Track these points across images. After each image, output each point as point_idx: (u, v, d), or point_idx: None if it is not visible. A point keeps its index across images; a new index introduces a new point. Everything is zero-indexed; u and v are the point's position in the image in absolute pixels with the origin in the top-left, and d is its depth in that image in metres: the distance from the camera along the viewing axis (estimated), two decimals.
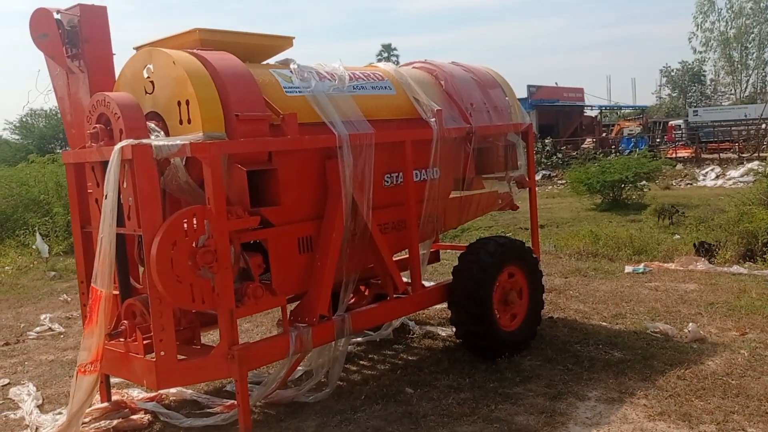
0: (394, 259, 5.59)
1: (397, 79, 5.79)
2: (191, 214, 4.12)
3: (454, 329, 5.85)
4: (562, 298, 7.71)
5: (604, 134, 45.61)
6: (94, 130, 4.29)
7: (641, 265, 9.28)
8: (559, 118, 45.06)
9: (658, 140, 42.44)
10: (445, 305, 6.00)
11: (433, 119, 5.68)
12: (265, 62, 5.28)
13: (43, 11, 4.79)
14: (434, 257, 7.44)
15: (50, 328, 8.00)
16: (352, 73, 5.48)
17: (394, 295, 5.47)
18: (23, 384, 5.90)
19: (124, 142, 4.00)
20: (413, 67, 6.37)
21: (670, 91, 70.58)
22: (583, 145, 40.04)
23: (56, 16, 4.84)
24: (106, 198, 4.03)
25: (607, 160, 26.32)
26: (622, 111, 60.37)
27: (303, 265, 4.90)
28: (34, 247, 12.90)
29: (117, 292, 4.52)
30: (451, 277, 5.83)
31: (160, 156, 4.02)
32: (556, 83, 47.78)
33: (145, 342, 4.23)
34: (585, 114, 48.82)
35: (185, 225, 4.08)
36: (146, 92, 4.57)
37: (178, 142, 4.08)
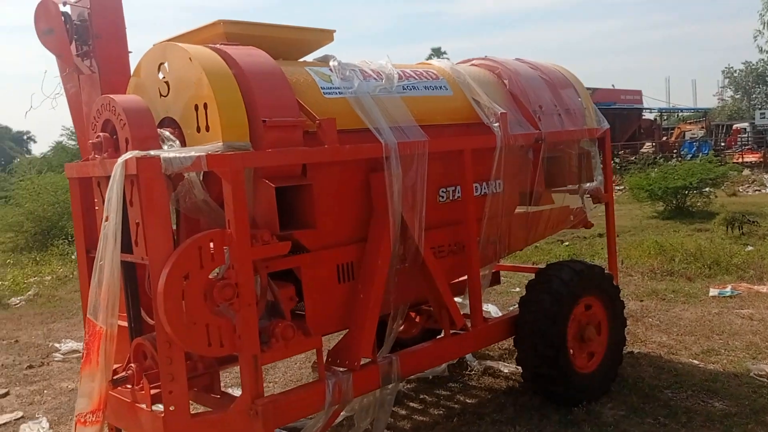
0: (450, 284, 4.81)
1: (454, 78, 5.01)
2: (208, 240, 3.41)
3: (520, 368, 5.03)
4: (641, 327, 6.77)
5: (664, 138, 43.87)
6: (98, 139, 3.62)
7: (728, 288, 8.24)
8: (616, 122, 43.31)
9: (722, 144, 40.63)
10: None
11: (496, 124, 4.87)
12: (301, 60, 4.57)
13: (48, 3, 4.18)
14: (494, 278, 6.60)
15: (77, 349, 7.46)
16: (402, 71, 4.72)
17: (451, 332, 4.67)
18: (36, 420, 5.32)
19: (128, 154, 3.31)
20: (472, 65, 5.57)
21: (733, 93, 67.83)
22: (642, 150, 38.55)
23: (63, 8, 4.22)
24: (107, 221, 3.35)
25: (668, 165, 25.13)
26: (682, 114, 58.22)
27: (343, 297, 4.15)
28: (73, 257, 12.55)
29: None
30: (517, 309, 5.00)
31: (170, 170, 3.32)
32: (612, 85, 46.20)
33: (153, 391, 3.54)
34: (643, 117, 47.09)
35: (200, 253, 3.38)
36: (161, 95, 3.90)
37: (192, 153, 3.38)
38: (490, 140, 4.81)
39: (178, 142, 3.71)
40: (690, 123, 49.29)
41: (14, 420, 5.45)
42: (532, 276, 5.25)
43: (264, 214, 3.68)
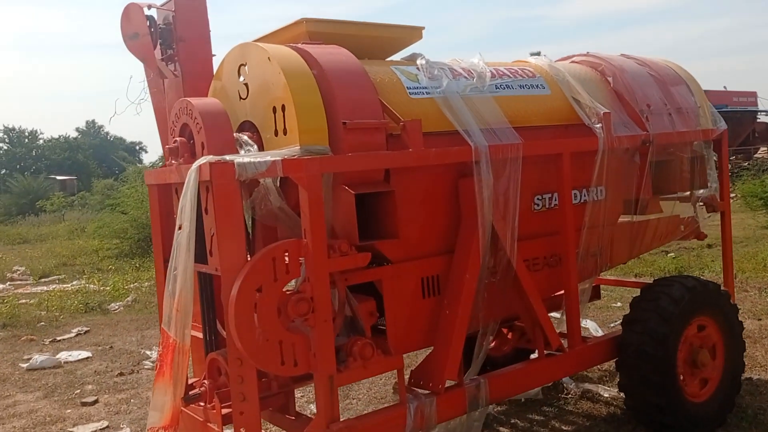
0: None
1: (552, 76, 4.62)
2: (282, 250, 3.21)
3: (622, 394, 4.57)
4: (760, 349, 6.11)
5: None
6: (174, 144, 3.50)
7: None
8: (728, 125, 40.86)
9: None
10: None
11: (598, 125, 4.45)
12: (388, 59, 4.32)
13: (134, 7, 4.11)
14: (594, 293, 6.12)
15: None
16: (495, 69, 4.38)
17: (546, 352, 4.28)
18: (120, 430, 5.31)
19: (202, 160, 3.15)
20: (572, 62, 5.16)
21: None
22: (757, 155, 36.17)
23: (148, 12, 4.15)
24: (180, 229, 3.21)
25: None
26: None
27: (427, 313, 3.85)
28: None
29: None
30: (621, 329, 4.55)
31: (245, 176, 3.14)
32: (724, 87, 43.53)
33: (225, 411, 3.37)
34: (758, 120, 44.19)
35: (274, 265, 3.17)
36: (240, 98, 3.74)
37: (267, 158, 3.18)
38: (591, 143, 4.39)
39: (255, 146, 3.54)
40: None
41: (100, 429, 5.47)
42: (636, 291, 4.79)
43: (343, 222, 3.45)
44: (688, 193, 5.11)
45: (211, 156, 3.16)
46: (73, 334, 9.17)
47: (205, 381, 3.55)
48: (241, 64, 3.70)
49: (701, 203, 5.23)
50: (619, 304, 8.44)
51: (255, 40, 4.10)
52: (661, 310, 4.28)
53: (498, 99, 4.19)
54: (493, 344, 5.78)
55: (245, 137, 3.58)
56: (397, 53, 4.38)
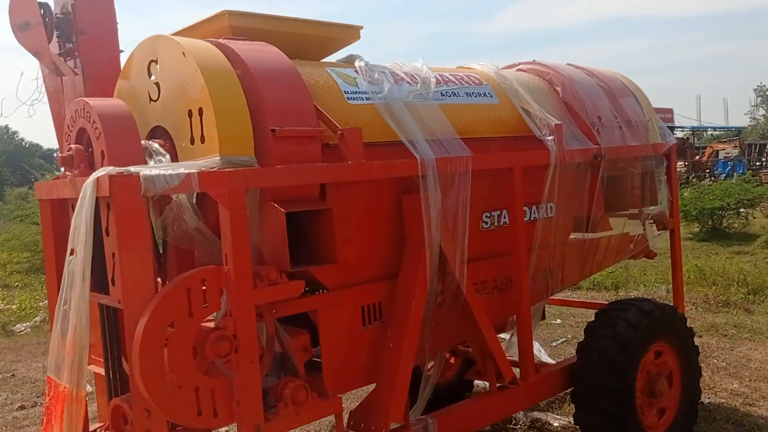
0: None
1: (499, 84, 4.28)
2: (199, 279, 2.70)
3: (575, 424, 4.24)
4: (707, 370, 5.92)
5: (696, 157, 42.65)
6: (69, 152, 2.95)
7: None
8: None
9: (758, 164, 39.43)
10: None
11: (549, 137, 4.13)
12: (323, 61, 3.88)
13: None
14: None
15: None
16: (440, 75, 4.00)
17: (498, 385, 3.89)
18: None
19: (99, 171, 2.62)
20: (519, 70, 4.84)
21: (766, 112, 66.31)
22: None
23: None
24: (72, 255, 2.66)
25: (702, 184, 24.24)
26: (714, 132, 56.88)
27: (369, 345, 3.41)
28: None
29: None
30: (575, 356, 4.23)
31: (152, 191, 2.62)
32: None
33: None
34: (675, 136, 45.92)
35: (189, 297, 2.67)
36: (150, 99, 3.22)
37: (180, 170, 2.68)
38: (543, 156, 4.06)
39: (168, 156, 3.02)
40: (722, 142, 48.02)
41: None
42: (577, 310, 4.49)
43: (272, 246, 2.97)
44: (638, 210, 4.86)
45: (111, 167, 2.63)
46: None
47: None
48: (152, 61, 3.17)
49: (651, 220, 5.00)
50: (559, 320, 8.21)
51: (172, 35, 3.59)
52: (618, 338, 3.97)
53: (444, 107, 3.81)
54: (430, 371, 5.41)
55: (156, 145, 3.06)
56: (332, 55, 3.95)
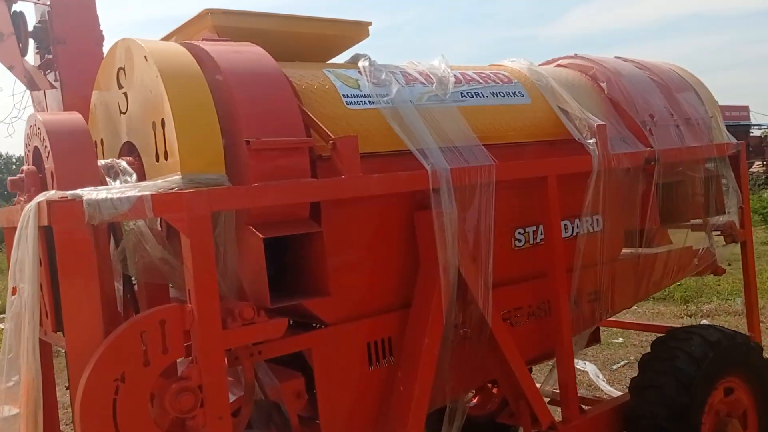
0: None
1: (533, 82, 3.75)
2: (156, 321, 2.29)
3: None
4: None
5: None
6: (20, 174, 2.60)
7: None
8: None
9: None
10: None
11: (591, 140, 3.59)
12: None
13: None
14: (592, 336, 5.20)
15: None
16: (462, 73, 3.51)
17: (534, 431, 3.35)
18: None
19: (40, 197, 2.25)
20: (558, 65, 4.30)
21: None
22: (752, 169, 35.53)
23: (15, 7, 3.28)
24: (14, 294, 2.30)
25: None
26: None
27: (377, 388, 2.94)
28: None
29: None
30: (628, 393, 3.64)
31: (97, 219, 2.22)
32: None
33: None
34: (751, 134, 43.61)
35: (144, 342, 2.26)
36: (120, 111, 2.85)
37: (132, 193, 2.28)
38: (583, 162, 3.52)
39: (135, 176, 2.64)
40: None
41: None
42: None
43: (251, 277, 2.54)
44: (703, 220, 4.23)
45: (54, 191, 2.25)
46: None
47: None
48: (120, 68, 2.80)
49: (718, 232, 4.35)
50: (621, 339, 7.53)
51: (162, 38, 3.25)
52: (678, 374, 3.37)
53: (464, 110, 3.31)
54: (474, 401, 4.89)
55: (123, 164, 2.69)
56: (338, 56, 3.52)
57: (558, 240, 3.44)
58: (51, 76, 3.34)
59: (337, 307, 2.82)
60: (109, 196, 2.23)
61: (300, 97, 2.83)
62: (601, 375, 6.12)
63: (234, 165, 2.53)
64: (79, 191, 2.26)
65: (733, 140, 4.54)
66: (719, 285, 9.99)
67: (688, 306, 9.04)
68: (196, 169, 2.40)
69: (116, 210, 2.23)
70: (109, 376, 2.18)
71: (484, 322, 3.13)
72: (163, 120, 2.47)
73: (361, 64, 3.19)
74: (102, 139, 3.02)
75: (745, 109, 44.36)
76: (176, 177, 2.37)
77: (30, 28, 3.31)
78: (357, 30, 3.44)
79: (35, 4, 3.33)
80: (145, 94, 2.60)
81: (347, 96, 2.99)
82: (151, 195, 2.26)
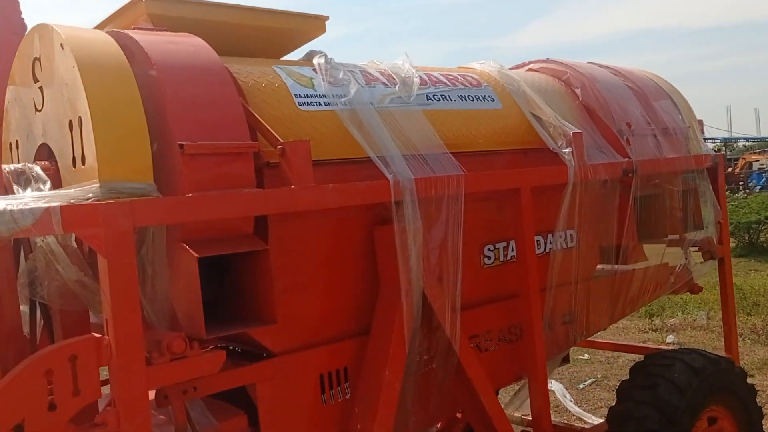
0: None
1: (503, 86, 3.47)
2: (65, 356, 1.92)
3: None
4: (766, 421, 4.99)
5: (728, 169, 41.24)
6: None
7: None
8: None
9: None
10: None
11: (566, 149, 3.32)
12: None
13: None
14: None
15: None
16: (428, 74, 3.21)
17: None
18: None
19: None
20: (529, 69, 4.04)
21: None
22: None
23: None
24: None
25: (736, 197, 23.24)
26: (747, 143, 55.23)
27: (329, 426, 2.60)
28: None
29: None
30: (605, 423, 3.37)
31: None
32: None
33: None
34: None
35: (51, 383, 1.89)
36: (36, 109, 2.47)
37: (37, 204, 1.90)
38: (559, 173, 3.24)
39: (49, 183, 2.26)
40: (756, 153, 46.45)
41: None
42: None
43: (184, 303, 2.18)
44: (679, 236, 4.00)
45: None
46: None
47: None
48: (36, 59, 2.43)
49: (695, 248, 4.12)
50: (587, 356, 7.31)
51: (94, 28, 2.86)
52: (661, 404, 3.10)
53: (430, 114, 3.01)
54: (438, 426, 4.57)
55: (37, 169, 2.31)
56: (293, 54, 3.19)
57: (531, 257, 3.15)
58: None
59: (286, 335, 2.49)
60: (9, 207, 1.86)
61: (245, 95, 2.49)
62: (569, 395, 5.86)
63: (166, 172, 2.18)
64: None
65: (711, 152, 4.34)
66: (683, 299, 9.89)
67: (653, 320, 8.89)
68: (117, 177, 2.04)
69: (17, 224, 1.86)
70: (3, 424, 1.80)
71: (450, 349, 2.81)
72: (80, 118, 2.11)
73: (316, 61, 2.86)
74: (17, 141, 2.63)
75: (699, 123, 45.22)
76: (93, 185, 2.01)
77: None
78: (312, 24, 3.11)
79: None
80: (61, 89, 2.23)
81: (300, 96, 2.66)
82: (60, 207, 1.89)
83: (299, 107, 2.63)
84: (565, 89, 3.82)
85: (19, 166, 2.31)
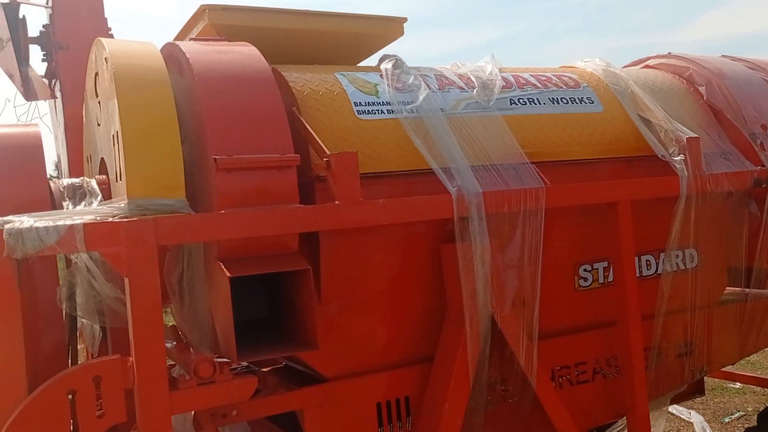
0: None
1: (607, 86, 3.10)
2: (89, 378, 1.88)
3: None
4: None
5: None
6: None
7: None
8: None
9: None
10: None
11: (679, 157, 2.89)
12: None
13: None
14: (695, 387, 4.36)
15: None
16: (515, 76, 2.92)
17: None
18: None
19: None
20: (645, 66, 3.60)
21: None
22: None
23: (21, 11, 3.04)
24: None
25: None
26: None
27: None
28: None
29: None
30: None
31: (21, 253, 1.84)
32: None
33: None
34: None
35: (74, 405, 1.86)
36: (98, 122, 2.50)
37: (61, 222, 1.88)
38: (666, 184, 2.83)
39: (100, 197, 2.26)
40: None
41: None
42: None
43: (220, 324, 2.09)
44: None
45: None
46: None
47: None
48: (96, 73, 2.45)
49: None
50: (738, 385, 6.51)
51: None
52: None
53: (512, 120, 2.73)
54: None
55: (93, 184, 2.32)
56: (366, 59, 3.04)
57: (631, 279, 2.77)
58: (56, 86, 3.08)
59: (339, 359, 2.33)
60: (36, 224, 1.85)
61: (299, 104, 2.37)
62: (709, 429, 5.23)
63: (203, 188, 2.10)
64: (8, 218, 1.90)
65: None
66: None
67: None
68: (146, 193, 1.98)
69: (42, 242, 1.84)
70: None
71: (527, 382, 2.52)
72: (117, 133, 2.08)
73: (383, 66, 2.68)
74: (89, 155, 2.69)
75: None
76: (122, 202, 1.96)
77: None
78: (388, 27, 2.94)
79: (44, 7, 3.08)
80: (107, 103, 2.22)
81: (360, 104, 2.50)
82: (83, 224, 1.86)
83: (358, 116, 2.46)
84: (686, 88, 3.36)
85: (77, 180, 2.34)
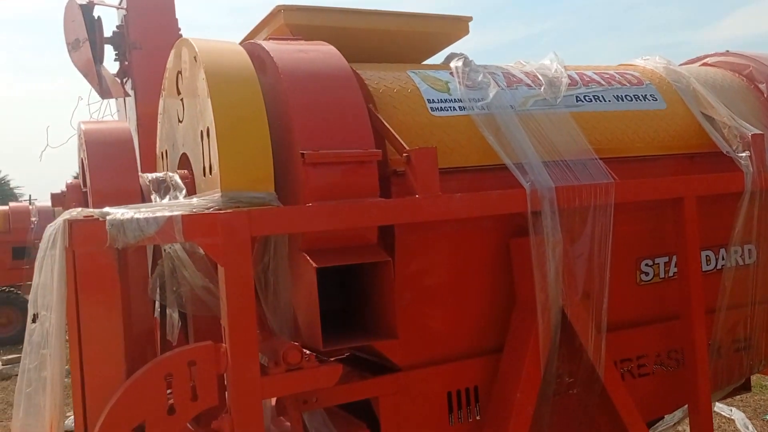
0: None
1: (669, 84, 3.12)
2: (184, 362, 1.97)
3: None
4: None
5: None
6: (63, 189, 2.40)
7: None
8: None
9: None
10: None
11: (743, 153, 2.91)
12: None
13: (71, 5, 3.11)
14: (741, 384, 4.37)
15: None
16: (579, 74, 2.96)
17: None
18: None
19: (65, 215, 2.00)
20: (703, 64, 3.61)
21: None
22: None
23: (94, 12, 3.14)
24: (34, 322, 2.06)
25: None
26: None
27: None
28: None
29: None
30: None
31: (121, 242, 1.93)
32: None
33: None
34: None
35: (168, 386, 1.95)
36: (179, 119, 2.59)
37: (160, 213, 1.97)
38: (731, 180, 2.85)
39: (185, 191, 2.35)
40: None
41: None
42: None
43: (304, 313, 2.17)
44: None
45: (79, 209, 2.00)
46: None
47: None
48: (179, 72, 2.54)
49: None
50: None
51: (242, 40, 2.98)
52: None
53: (579, 116, 2.77)
54: None
55: (176, 178, 2.41)
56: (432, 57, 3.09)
57: (695, 274, 2.79)
58: (130, 84, 3.18)
59: (412, 349, 2.39)
60: (136, 216, 1.94)
61: (375, 102, 2.43)
62: (751, 426, 5.22)
63: (289, 181, 2.18)
64: (108, 209, 1.99)
65: None
66: None
67: None
68: (238, 186, 2.06)
69: (142, 232, 1.93)
70: (125, 425, 1.89)
71: (594, 374, 2.56)
72: (208, 129, 2.16)
73: (453, 64, 2.73)
74: (165, 151, 2.79)
75: None
76: (216, 195, 2.05)
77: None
78: (454, 26, 3.00)
79: (117, 8, 3.18)
80: (195, 100, 2.31)
81: (433, 101, 2.56)
82: (182, 216, 1.94)
83: (432, 113, 2.52)
84: (746, 85, 3.37)
85: (160, 174, 2.43)
